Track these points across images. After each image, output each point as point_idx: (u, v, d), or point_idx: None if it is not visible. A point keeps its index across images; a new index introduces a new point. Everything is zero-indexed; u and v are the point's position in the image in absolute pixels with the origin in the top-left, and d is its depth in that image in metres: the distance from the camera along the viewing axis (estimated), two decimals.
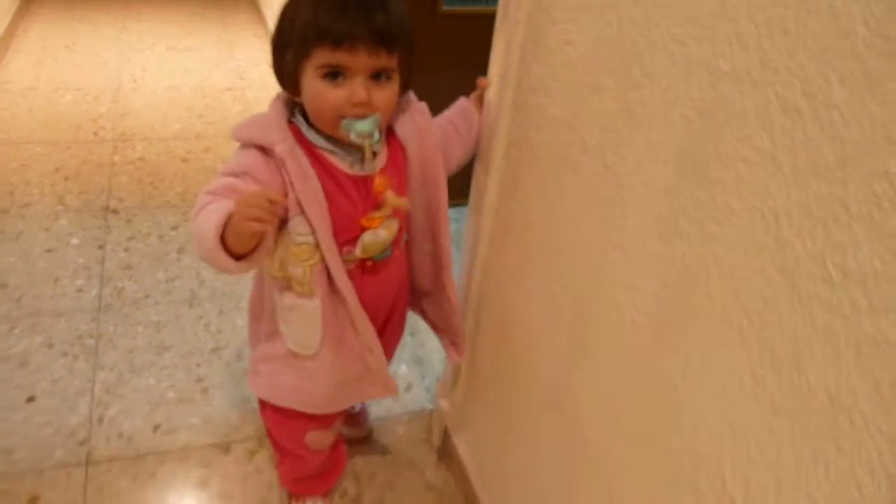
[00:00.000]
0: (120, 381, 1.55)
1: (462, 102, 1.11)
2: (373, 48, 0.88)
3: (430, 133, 1.02)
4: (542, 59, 0.94)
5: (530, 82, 0.98)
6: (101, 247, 1.96)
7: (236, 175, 0.93)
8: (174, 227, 2.08)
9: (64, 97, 2.77)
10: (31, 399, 1.49)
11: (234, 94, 2.98)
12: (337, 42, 0.87)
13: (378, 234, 0.99)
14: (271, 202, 0.83)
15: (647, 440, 0.78)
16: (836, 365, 0.54)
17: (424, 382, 1.64)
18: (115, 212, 2.12)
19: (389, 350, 1.17)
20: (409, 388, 1.62)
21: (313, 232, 0.94)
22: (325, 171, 0.95)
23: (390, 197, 0.95)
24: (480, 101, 1.10)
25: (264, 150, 0.92)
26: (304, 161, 0.93)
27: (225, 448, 1.43)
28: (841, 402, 0.54)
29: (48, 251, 1.92)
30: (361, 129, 0.90)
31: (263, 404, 1.17)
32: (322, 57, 0.88)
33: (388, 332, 1.15)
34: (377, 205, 0.97)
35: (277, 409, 1.13)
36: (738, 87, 0.61)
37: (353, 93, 0.89)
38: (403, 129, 1.01)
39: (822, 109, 0.53)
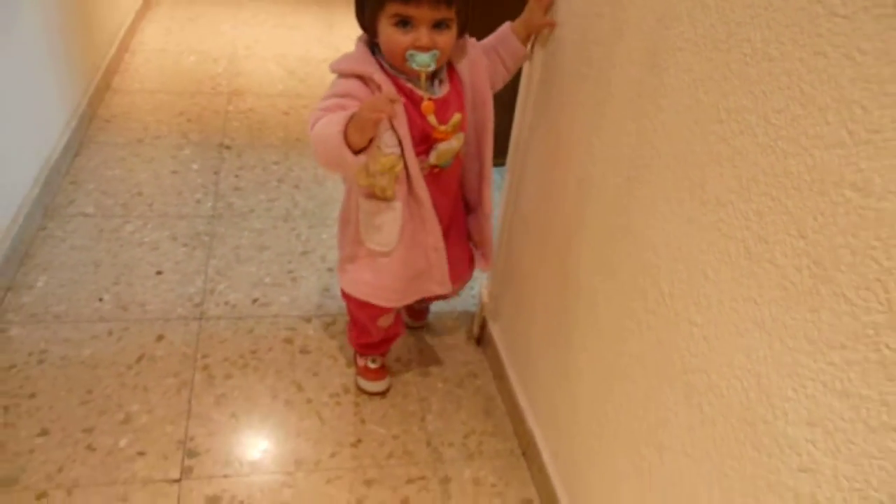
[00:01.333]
0: (228, 267, 1.92)
1: (505, 30, 1.31)
2: (434, 4, 1.12)
3: (479, 64, 1.27)
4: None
5: (557, 16, 1.28)
6: (216, 172, 2.36)
7: (341, 96, 1.17)
8: (276, 163, 2.46)
9: (188, 58, 3.22)
10: (159, 272, 1.88)
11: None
12: None
13: (451, 144, 1.24)
14: (392, 101, 1.09)
15: (616, 273, 1.07)
16: (719, 170, 0.82)
17: (476, 289, 1.94)
18: (228, 147, 2.52)
19: (454, 260, 1.38)
20: (468, 290, 1.90)
21: (400, 144, 1.18)
22: (403, 94, 1.19)
23: (432, 119, 1.17)
24: (526, 24, 1.29)
25: (362, 78, 1.17)
26: (389, 85, 1.17)
27: (307, 319, 1.78)
28: (723, 198, 0.82)
29: (174, 172, 2.34)
30: (421, 60, 1.15)
31: (348, 294, 1.43)
32: (393, 9, 1.13)
33: (451, 239, 1.36)
34: (444, 121, 1.19)
35: (359, 301, 1.39)
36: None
37: (418, 38, 1.14)
38: (461, 64, 1.27)
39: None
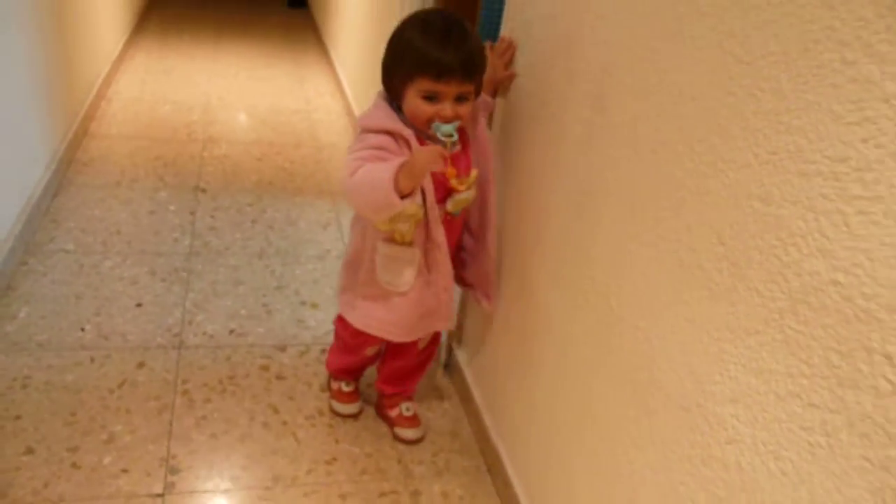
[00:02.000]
0: (205, 300, 2.01)
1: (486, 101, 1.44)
2: (461, 81, 1.23)
3: (480, 120, 1.40)
4: None
5: (516, 68, 1.44)
6: (192, 213, 2.45)
7: (376, 148, 1.25)
8: (250, 204, 2.57)
9: (163, 107, 3.34)
10: (139, 305, 1.96)
11: (301, 115, 3.52)
12: (437, 77, 1.21)
13: (467, 195, 1.34)
14: (443, 157, 1.18)
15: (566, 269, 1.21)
16: (654, 192, 0.96)
17: None
18: (203, 190, 2.62)
19: (489, 282, 1.51)
20: None
21: (423, 195, 1.28)
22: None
23: (452, 172, 1.27)
24: (492, 81, 1.42)
25: (391, 134, 1.27)
26: (416, 143, 1.26)
27: (282, 348, 1.87)
28: (659, 215, 0.96)
29: (151, 212, 2.43)
30: (445, 130, 1.24)
31: (346, 324, 1.49)
32: (424, 84, 1.22)
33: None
34: (459, 175, 1.30)
35: (353, 329, 1.47)
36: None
37: (442, 109, 1.24)
38: (467, 122, 1.35)
39: None
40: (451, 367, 1.86)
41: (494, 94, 1.50)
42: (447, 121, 1.25)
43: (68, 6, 2.74)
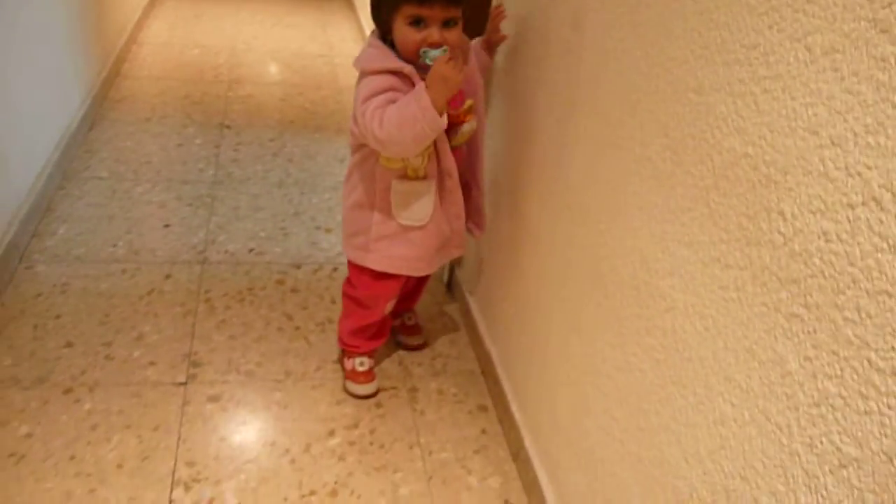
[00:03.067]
0: (227, 223, 2.16)
1: (475, 46, 1.48)
2: (445, 4, 1.25)
3: (473, 57, 1.44)
4: None
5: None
6: (217, 146, 2.60)
7: (386, 90, 1.28)
8: (271, 140, 2.70)
9: (192, 51, 3.48)
10: (167, 225, 2.11)
11: (324, 60, 3.63)
12: (420, 1, 1.24)
13: (471, 125, 1.39)
14: (455, 58, 1.22)
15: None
16: (628, 104, 1.07)
17: None
18: (228, 127, 2.76)
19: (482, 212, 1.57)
20: None
21: None
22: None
23: (468, 104, 1.36)
24: (487, 42, 1.49)
25: (393, 73, 1.29)
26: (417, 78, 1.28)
27: (297, 266, 2.01)
28: (626, 122, 1.06)
29: (179, 145, 2.58)
30: (434, 55, 1.26)
31: (360, 274, 1.49)
32: (409, 10, 1.25)
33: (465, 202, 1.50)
34: (457, 106, 1.33)
35: (377, 278, 1.47)
36: None
37: (430, 35, 1.26)
38: (456, 48, 1.32)
39: None
40: (452, 286, 1.98)
41: (491, 55, 1.56)
42: (435, 46, 1.27)
43: None
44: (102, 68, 2.84)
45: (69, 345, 1.63)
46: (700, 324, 0.89)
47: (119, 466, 1.36)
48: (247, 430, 1.48)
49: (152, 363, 1.61)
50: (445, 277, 2.00)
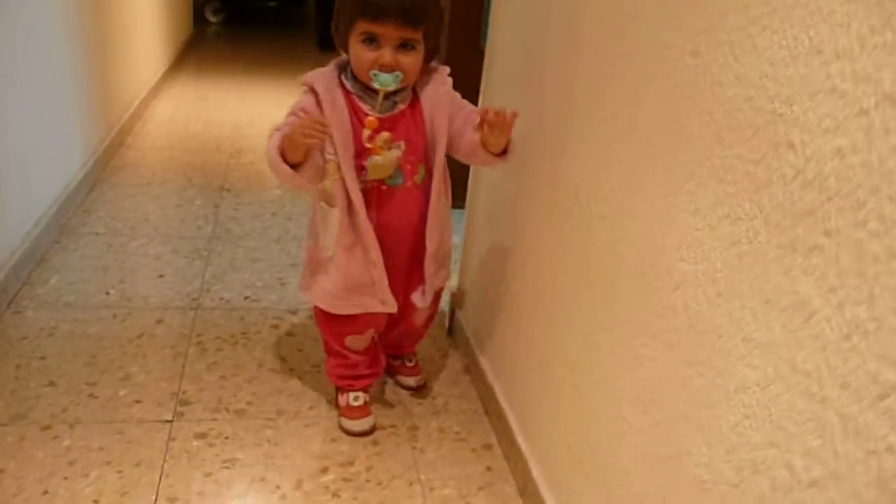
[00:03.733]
0: (223, 273, 2.12)
1: (475, 135, 1.28)
2: (400, 24, 1.19)
3: (441, 100, 1.31)
4: None
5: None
6: (216, 206, 2.59)
7: (295, 114, 1.26)
8: (271, 201, 2.70)
9: (195, 125, 3.54)
10: (161, 276, 2.07)
11: None
12: (374, 17, 1.19)
13: (380, 159, 1.27)
14: (320, 123, 1.15)
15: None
16: (613, 89, 1.05)
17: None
18: (228, 190, 2.77)
19: (414, 284, 1.42)
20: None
21: (336, 153, 1.25)
22: (353, 109, 1.27)
23: (367, 133, 1.23)
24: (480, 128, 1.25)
25: (315, 94, 1.25)
26: (340, 100, 1.25)
27: (293, 311, 1.95)
28: (618, 112, 1.05)
29: (178, 206, 2.57)
30: (383, 80, 1.22)
31: (315, 309, 1.46)
32: (363, 26, 1.20)
33: (407, 265, 1.40)
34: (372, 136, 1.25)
35: (322, 313, 1.43)
36: None
37: (381, 56, 1.21)
38: (424, 92, 1.31)
39: None
40: (453, 330, 1.92)
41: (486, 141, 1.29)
42: (388, 69, 1.21)
43: (109, 35, 3.00)
44: (106, 136, 2.88)
45: (52, 384, 1.56)
46: (713, 290, 0.83)
47: (95, 502, 1.26)
48: (235, 466, 1.38)
49: (138, 401, 1.53)
50: (446, 323, 1.94)
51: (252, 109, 3.95)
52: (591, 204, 1.15)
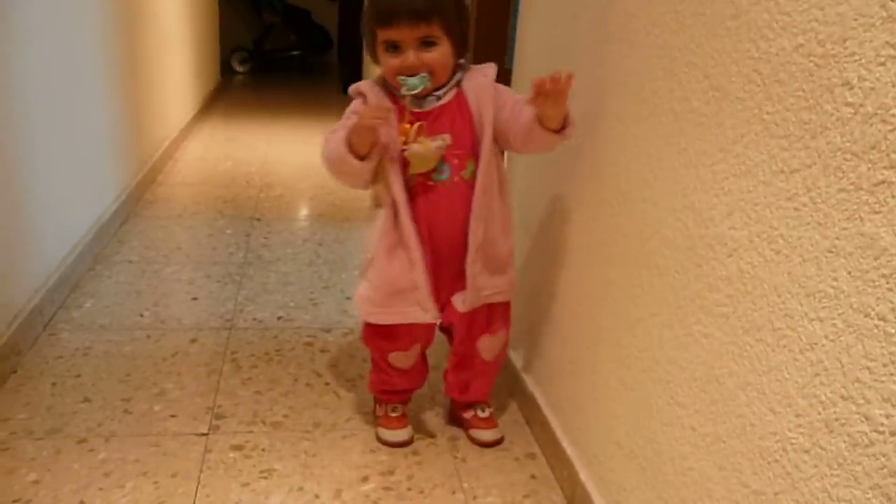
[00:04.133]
0: (256, 296, 2.12)
1: (530, 114, 1.23)
2: (413, 22, 1.19)
3: (485, 90, 1.29)
4: None
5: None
6: (247, 235, 2.61)
7: (347, 118, 1.27)
8: (301, 229, 2.71)
9: (225, 163, 3.60)
10: (194, 299, 2.07)
11: None
12: (385, 23, 1.21)
13: (424, 150, 1.23)
14: (385, 109, 1.20)
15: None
16: (650, 76, 1.04)
17: None
18: (258, 220, 2.79)
19: (466, 280, 1.32)
20: None
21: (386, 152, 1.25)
22: (400, 109, 1.26)
23: (408, 128, 1.23)
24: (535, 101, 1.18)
25: (364, 98, 1.29)
26: (387, 102, 1.26)
27: (327, 330, 1.93)
28: (658, 97, 1.03)
29: (210, 235, 2.59)
30: (410, 84, 1.22)
31: (364, 325, 1.42)
32: (382, 36, 1.22)
33: (457, 271, 1.32)
34: (431, 133, 1.25)
35: (368, 327, 1.39)
36: None
37: (405, 59, 1.22)
38: (469, 84, 1.30)
39: None
40: None
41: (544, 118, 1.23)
42: (412, 71, 1.22)
43: (142, 82, 3.10)
44: (138, 172, 2.94)
45: (87, 400, 1.54)
46: (769, 250, 0.80)
47: None
48: (272, 477, 1.35)
49: (173, 416, 1.51)
50: None
51: (280, 149, 4.01)
52: (633, 190, 1.13)
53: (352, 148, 1.21)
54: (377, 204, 1.33)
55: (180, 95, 4.04)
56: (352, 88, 1.33)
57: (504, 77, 1.76)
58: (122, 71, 2.75)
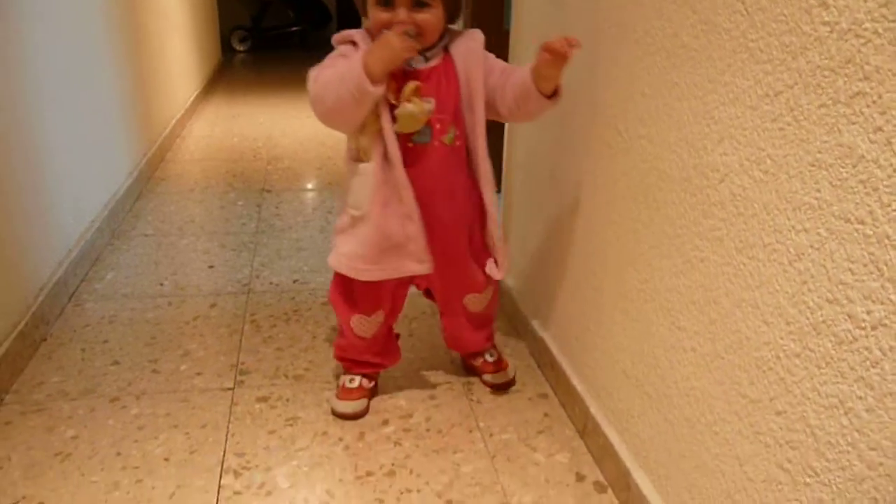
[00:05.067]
0: (270, 262, 2.17)
1: (525, 75, 1.25)
2: None
3: (474, 56, 1.29)
4: None
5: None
6: (258, 205, 2.66)
7: (337, 57, 1.25)
8: (311, 198, 2.76)
9: (231, 139, 3.64)
10: (211, 266, 2.13)
11: None
12: None
13: (408, 108, 1.23)
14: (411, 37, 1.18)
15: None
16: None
17: None
18: (268, 191, 2.84)
19: (457, 263, 1.38)
20: None
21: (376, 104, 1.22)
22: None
23: (407, 86, 1.22)
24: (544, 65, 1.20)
25: (353, 44, 1.26)
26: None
27: None
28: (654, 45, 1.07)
29: (221, 207, 2.65)
30: None
31: (333, 283, 1.42)
32: None
33: (452, 239, 1.36)
34: (426, 94, 1.25)
35: (336, 286, 1.40)
36: None
37: (396, 16, 1.21)
38: (457, 49, 1.30)
39: None
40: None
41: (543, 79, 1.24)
42: (401, 28, 1.20)
43: (147, 63, 3.14)
44: (148, 151, 2.99)
45: (116, 363, 1.61)
46: (758, 171, 0.85)
47: (166, 459, 1.30)
48: (297, 424, 1.42)
49: (199, 373, 1.58)
50: None
51: (284, 123, 4.05)
52: (629, 129, 1.17)
53: (369, 70, 1.16)
54: (360, 157, 1.29)
55: (184, 75, 4.08)
56: (340, 35, 1.28)
57: (503, 38, 1.80)
58: (128, 53, 2.80)
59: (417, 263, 1.33)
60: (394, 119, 1.25)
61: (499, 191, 1.52)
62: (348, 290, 1.39)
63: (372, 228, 1.29)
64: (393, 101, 1.24)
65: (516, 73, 1.28)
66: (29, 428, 1.38)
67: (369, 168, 1.28)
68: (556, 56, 1.18)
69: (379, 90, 1.18)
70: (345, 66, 1.21)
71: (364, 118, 1.25)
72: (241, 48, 6.71)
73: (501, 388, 1.55)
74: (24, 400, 1.47)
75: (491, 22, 2.59)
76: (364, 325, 1.42)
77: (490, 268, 1.41)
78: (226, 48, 6.30)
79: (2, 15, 1.63)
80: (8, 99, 1.64)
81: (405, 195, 1.28)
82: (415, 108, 1.24)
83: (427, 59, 1.29)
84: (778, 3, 0.79)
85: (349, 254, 1.33)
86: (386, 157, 1.27)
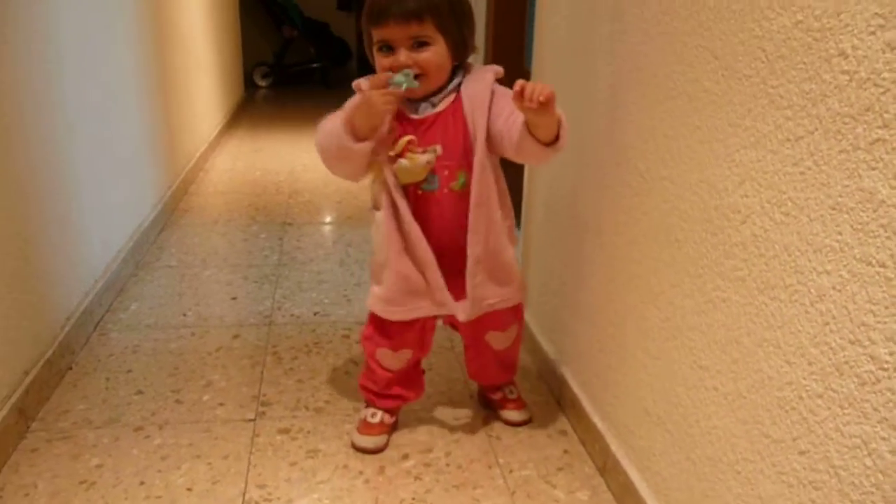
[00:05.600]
0: (292, 294, 2.20)
1: (520, 127, 1.21)
2: (402, 22, 1.17)
3: (480, 98, 1.25)
4: None
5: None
6: (280, 238, 2.70)
7: (345, 109, 1.26)
8: (331, 231, 2.80)
9: (254, 173, 3.71)
10: (234, 298, 2.17)
11: None
12: (376, 22, 1.20)
13: (402, 164, 1.25)
14: (393, 93, 1.18)
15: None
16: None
17: None
18: (290, 224, 2.88)
19: (466, 291, 1.33)
20: None
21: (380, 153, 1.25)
22: (396, 114, 1.25)
23: (401, 141, 1.24)
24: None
25: (361, 90, 1.24)
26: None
27: (362, 323, 1.98)
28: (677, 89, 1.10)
29: (244, 240, 2.69)
30: (395, 80, 1.19)
31: (367, 321, 1.45)
32: (375, 36, 1.22)
33: (453, 278, 1.32)
34: (424, 144, 1.26)
35: (369, 322, 1.43)
36: None
37: (396, 60, 1.21)
38: (466, 90, 1.27)
39: None
40: None
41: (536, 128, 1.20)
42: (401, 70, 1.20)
43: (172, 94, 3.22)
44: (172, 183, 3.05)
45: (139, 392, 1.64)
46: (779, 213, 0.86)
47: (189, 490, 1.32)
48: (318, 456, 1.43)
49: (221, 404, 1.60)
50: None
51: (305, 157, 4.11)
52: (652, 170, 1.19)
53: (352, 128, 1.19)
54: (376, 206, 1.33)
55: (208, 110, 4.17)
56: (356, 83, 1.29)
57: (524, 78, 1.82)
58: (154, 88, 2.88)
59: (438, 307, 1.36)
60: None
61: (519, 226, 1.54)
62: (381, 329, 1.42)
63: (392, 274, 1.33)
64: (392, 154, 1.25)
65: (518, 122, 1.22)
66: (55, 455, 1.41)
67: (379, 216, 1.32)
68: (525, 106, 1.13)
69: (365, 146, 1.20)
70: (335, 119, 1.24)
71: (365, 170, 1.29)
72: (264, 84, 6.84)
73: (519, 426, 1.55)
74: (49, 427, 1.50)
75: (511, 60, 2.65)
76: (390, 358, 1.43)
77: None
78: (248, 84, 6.44)
79: (39, 56, 1.70)
80: (42, 137, 1.69)
81: (417, 241, 1.29)
82: (409, 163, 1.25)
83: (434, 106, 1.28)
84: (798, 51, 0.81)
85: (378, 296, 1.38)
86: (395, 205, 1.28)
